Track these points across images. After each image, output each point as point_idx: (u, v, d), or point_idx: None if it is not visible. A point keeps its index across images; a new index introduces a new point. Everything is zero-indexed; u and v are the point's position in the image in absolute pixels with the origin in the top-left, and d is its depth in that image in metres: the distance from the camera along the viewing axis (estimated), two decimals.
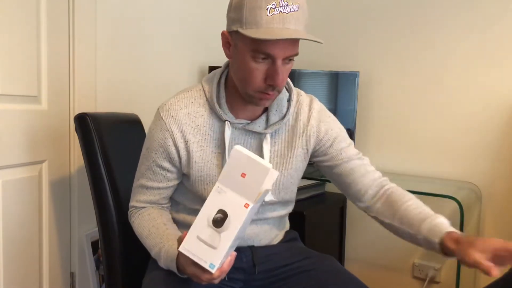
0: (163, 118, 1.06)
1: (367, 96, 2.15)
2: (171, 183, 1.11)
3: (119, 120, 1.43)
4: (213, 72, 1.11)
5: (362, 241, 2.21)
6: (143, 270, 1.19)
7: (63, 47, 1.53)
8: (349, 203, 2.21)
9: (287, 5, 0.91)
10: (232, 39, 0.98)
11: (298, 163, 1.13)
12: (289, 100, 1.12)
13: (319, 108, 1.15)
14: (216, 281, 0.89)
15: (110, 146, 1.30)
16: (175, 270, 0.96)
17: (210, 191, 0.96)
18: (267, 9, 0.90)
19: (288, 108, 1.10)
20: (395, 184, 1.16)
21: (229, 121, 1.05)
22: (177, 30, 2.02)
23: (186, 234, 0.86)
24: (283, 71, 0.96)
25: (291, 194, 1.17)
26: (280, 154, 1.10)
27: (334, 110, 2.08)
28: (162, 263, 1.01)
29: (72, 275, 1.62)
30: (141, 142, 1.46)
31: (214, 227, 0.85)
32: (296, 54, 0.97)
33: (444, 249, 0.96)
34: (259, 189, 0.85)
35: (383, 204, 1.11)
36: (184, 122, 1.06)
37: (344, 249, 2.22)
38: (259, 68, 0.95)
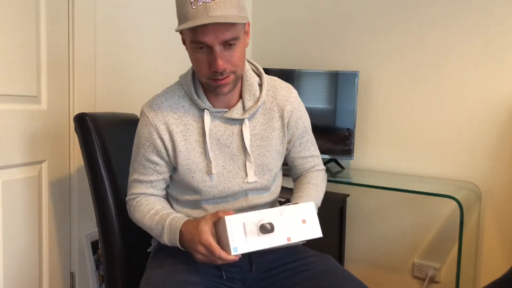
0: (146, 114, 1.14)
1: (366, 96, 2.15)
2: (161, 176, 1.16)
3: (119, 120, 1.43)
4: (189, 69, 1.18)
5: (362, 241, 2.21)
6: (143, 270, 1.19)
7: (62, 47, 1.53)
8: (349, 203, 2.21)
9: None
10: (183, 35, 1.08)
11: (278, 146, 1.19)
12: (260, 85, 1.17)
13: (296, 95, 1.23)
14: (221, 261, 0.96)
15: (109, 146, 1.30)
16: (177, 240, 1.03)
17: (198, 179, 1.11)
18: (191, 2, 0.96)
19: (260, 92, 1.16)
20: (318, 172, 1.29)
21: (207, 109, 1.12)
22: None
23: (229, 212, 0.97)
24: (224, 55, 1.01)
25: (275, 178, 1.23)
26: (261, 137, 1.16)
27: (333, 110, 2.08)
28: (165, 237, 1.07)
29: (72, 275, 1.62)
30: None
31: (259, 229, 0.94)
32: (234, 38, 1.00)
33: None
34: (304, 238, 0.97)
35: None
36: (166, 114, 1.12)
37: (344, 249, 2.22)
38: (202, 57, 1.02)
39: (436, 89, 2.00)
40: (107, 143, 1.30)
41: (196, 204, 1.17)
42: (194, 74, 1.15)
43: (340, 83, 2.07)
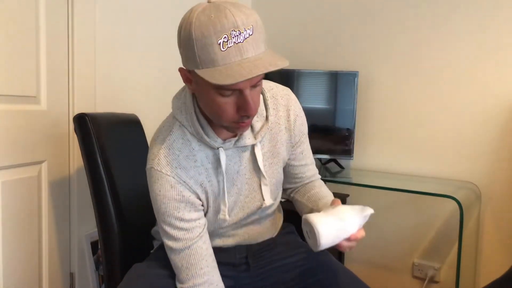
0: (167, 173, 0.98)
1: (366, 96, 2.15)
2: (203, 221, 1.06)
3: (118, 121, 1.43)
4: (181, 102, 1.03)
5: (362, 241, 2.20)
6: None
7: (62, 48, 1.53)
8: (349, 203, 2.21)
9: (240, 34, 0.82)
10: (192, 76, 0.90)
11: (285, 158, 1.14)
12: (264, 100, 1.07)
13: (295, 100, 1.13)
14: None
15: (109, 146, 1.30)
16: None
17: (222, 218, 1.05)
18: (220, 44, 0.81)
19: (267, 110, 1.06)
20: (320, 182, 1.24)
21: (222, 147, 1.01)
22: (177, 30, 2.02)
23: None
24: (254, 96, 0.89)
25: (281, 187, 1.21)
26: (271, 154, 1.09)
27: (333, 110, 2.08)
28: None
29: (71, 275, 1.62)
30: (140, 142, 1.47)
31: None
32: (263, 77, 0.90)
33: None
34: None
35: (300, 190, 1.22)
36: (188, 166, 1.00)
37: None
38: (228, 102, 0.88)
39: (435, 89, 2.00)
40: (106, 143, 1.29)
41: (210, 235, 1.11)
42: (195, 111, 1.00)
43: (340, 83, 2.07)
